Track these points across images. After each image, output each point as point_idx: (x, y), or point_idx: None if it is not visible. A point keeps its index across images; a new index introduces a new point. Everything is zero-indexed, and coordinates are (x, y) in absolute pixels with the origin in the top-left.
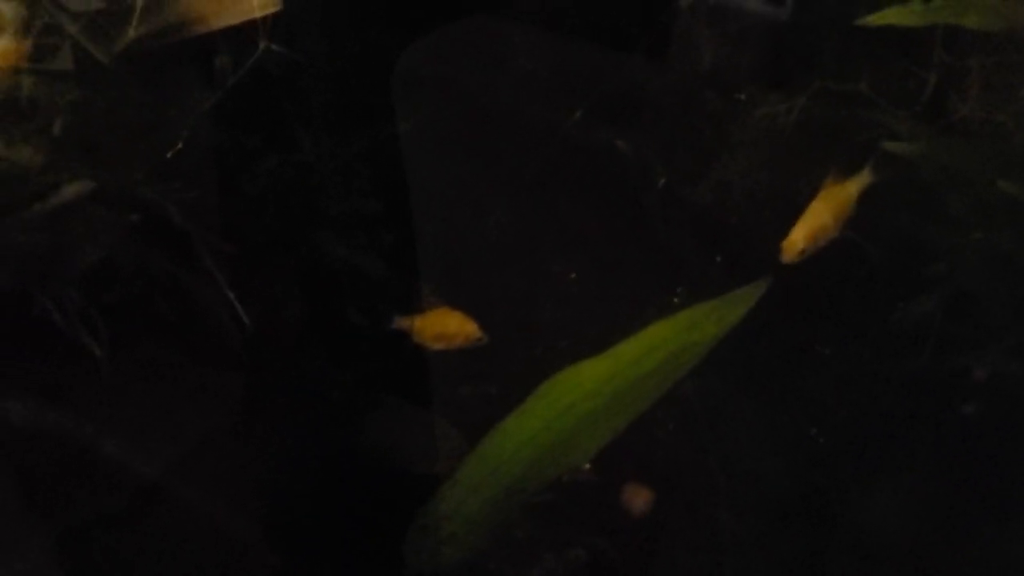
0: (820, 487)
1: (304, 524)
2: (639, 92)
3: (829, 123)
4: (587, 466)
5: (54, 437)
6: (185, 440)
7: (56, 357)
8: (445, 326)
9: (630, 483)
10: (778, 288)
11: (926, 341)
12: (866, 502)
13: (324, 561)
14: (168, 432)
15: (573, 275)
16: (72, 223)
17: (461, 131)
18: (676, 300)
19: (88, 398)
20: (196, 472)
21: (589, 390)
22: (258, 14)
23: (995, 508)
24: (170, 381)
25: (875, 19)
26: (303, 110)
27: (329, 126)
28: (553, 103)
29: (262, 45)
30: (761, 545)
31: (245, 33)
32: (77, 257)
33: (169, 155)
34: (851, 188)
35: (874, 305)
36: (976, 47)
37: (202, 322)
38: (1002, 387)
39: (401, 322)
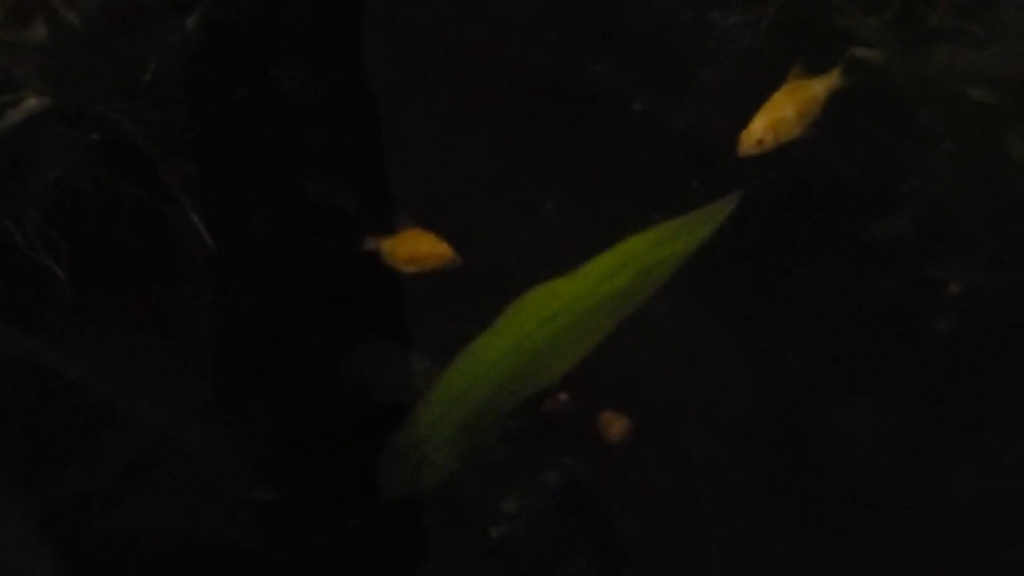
0: (794, 407)
1: (277, 452)
2: (615, 18)
3: (801, 33)
4: (564, 395)
5: (18, 360)
6: (152, 367)
7: (20, 282)
8: (418, 247)
9: (606, 410)
10: (751, 208)
11: (900, 256)
12: (841, 421)
13: (300, 489)
14: (134, 359)
15: (549, 204)
16: (31, 141)
17: (437, 64)
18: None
19: (51, 321)
20: (161, 396)
21: (558, 308)
22: None
23: (969, 423)
24: (134, 304)
25: None
26: (276, 47)
27: (302, 62)
28: (527, 34)
29: None
30: (735, 466)
31: None
32: (37, 176)
33: (141, 82)
34: (818, 86)
35: (848, 223)
36: None
37: (166, 243)
38: (977, 299)
39: (372, 243)
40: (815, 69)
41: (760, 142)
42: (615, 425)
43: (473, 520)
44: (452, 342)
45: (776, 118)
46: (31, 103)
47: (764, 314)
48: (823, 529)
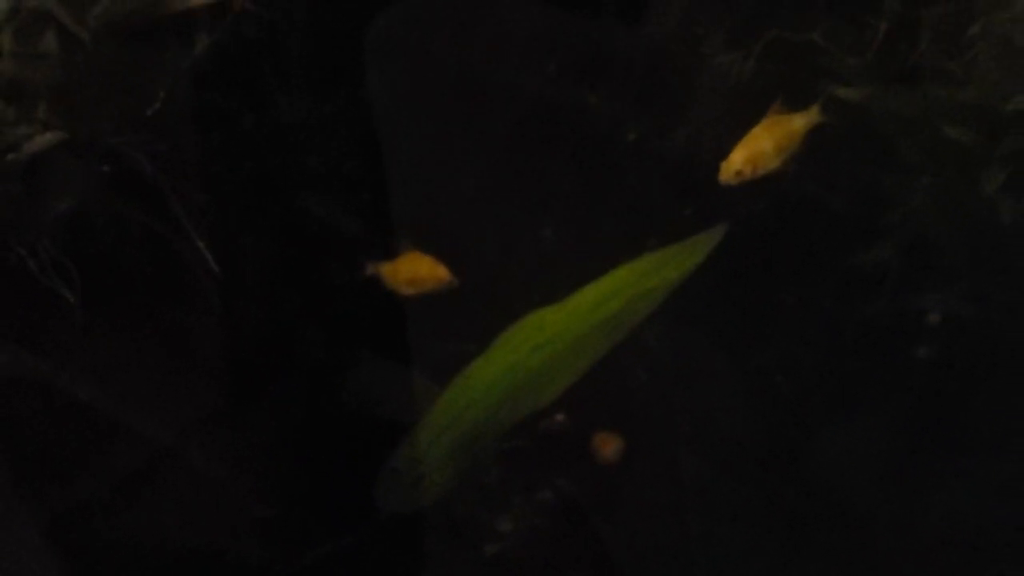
0: (782, 429)
1: (280, 471)
2: (610, 51)
3: (784, 72)
4: (560, 416)
5: (31, 383)
6: (157, 385)
7: (31, 307)
8: (416, 270)
9: (599, 430)
10: (740, 237)
11: (883, 286)
12: (825, 442)
13: (302, 506)
14: (141, 377)
15: (547, 230)
16: (45, 173)
17: (436, 91)
18: (647, 252)
19: (63, 345)
20: (167, 413)
21: (551, 335)
22: None
23: (948, 445)
24: (142, 328)
25: None
26: (280, 72)
27: (305, 87)
28: (525, 64)
29: (238, 7)
30: (723, 485)
31: (224, 7)
32: (50, 206)
33: (149, 112)
34: (797, 122)
35: (833, 252)
36: None
37: (172, 269)
38: (955, 328)
39: (374, 267)
40: (796, 105)
41: (739, 173)
42: (608, 445)
43: (469, 537)
44: (451, 361)
45: (754, 151)
46: (46, 137)
47: (753, 338)
48: (809, 546)
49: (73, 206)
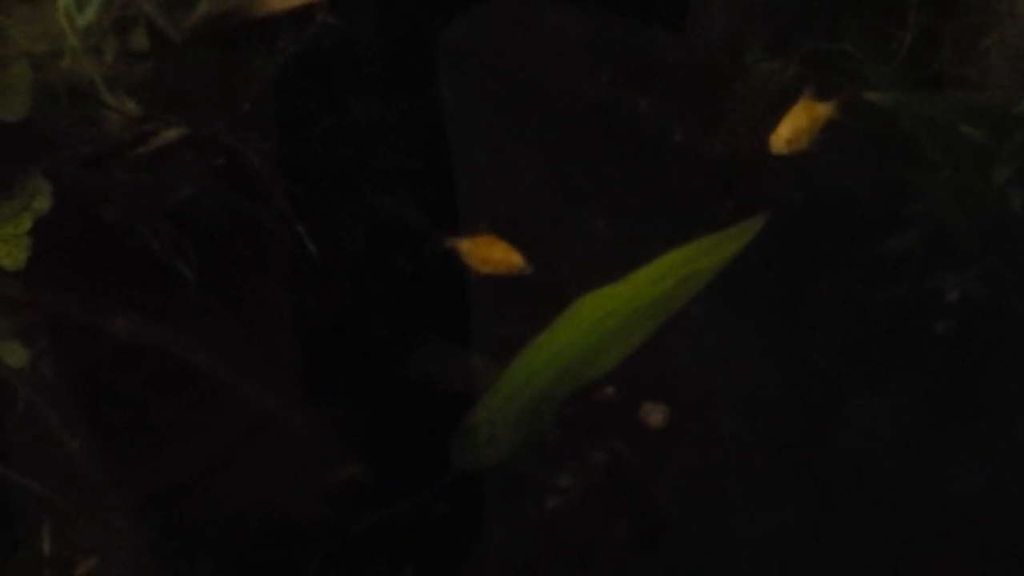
0: (813, 400)
1: (362, 436)
2: (659, 58)
3: (820, 78)
4: (611, 389)
5: (151, 348)
6: (261, 355)
7: (153, 280)
8: (492, 252)
9: (647, 401)
10: (778, 227)
11: (906, 269)
12: (853, 412)
13: (381, 467)
14: (247, 347)
15: (599, 223)
16: (168, 165)
17: (498, 96)
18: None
19: (180, 316)
20: (268, 381)
21: (610, 310)
22: None
23: (964, 413)
24: (248, 303)
25: None
26: (354, 80)
27: (377, 93)
28: (581, 70)
29: (320, 19)
30: (760, 451)
31: (307, 14)
32: (171, 194)
33: (245, 108)
34: (821, 109)
35: (862, 240)
36: (947, 11)
37: (276, 251)
38: (971, 306)
39: (452, 243)
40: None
41: (789, 142)
42: (655, 414)
43: (532, 492)
44: (509, 343)
45: (796, 126)
46: (169, 133)
47: (787, 318)
48: (835, 504)
49: (191, 194)
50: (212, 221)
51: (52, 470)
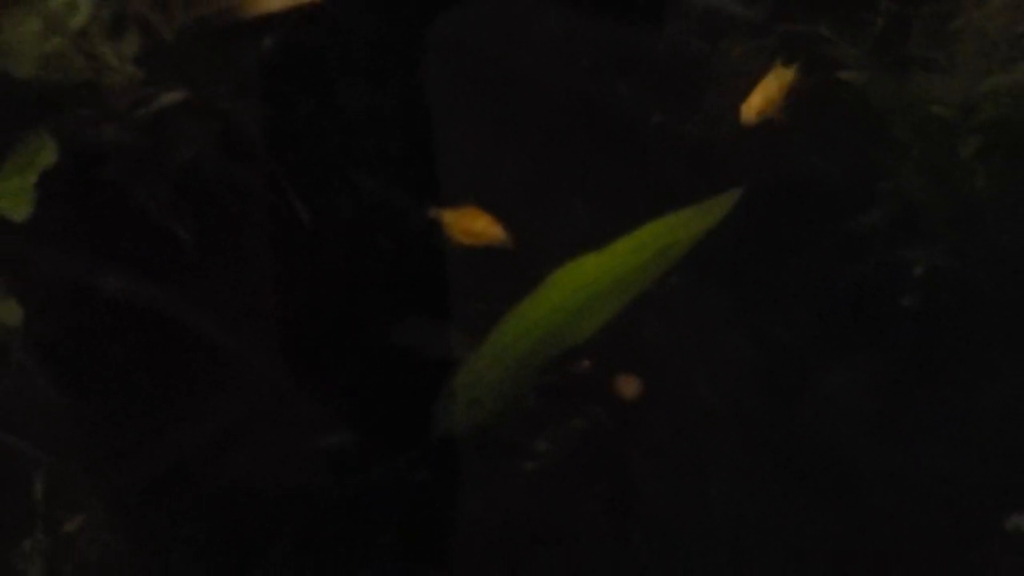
0: (783, 372)
1: (344, 404)
2: (638, 47)
3: (796, 60)
4: (587, 362)
5: (146, 308)
6: (254, 315)
7: (150, 241)
8: (474, 223)
9: (623, 373)
10: (751, 204)
11: (874, 245)
12: (821, 383)
13: (365, 433)
14: (240, 306)
15: (577, 203)
16: (167, 128)
17: (483, 85)
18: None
19: (175, 277)
20: (261, 335)
21: (589, 279)
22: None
23: (928, 380)
24: (243, 263)
25: None
26: (341, 66)
27: (363, 79)
28: (564, 60)
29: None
30: (731, 420)
31: (299, 14)
32: (170, 156)
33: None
34: (787, 76)
35: (832, 216)
36: None
37: (269, 215)
38: (937, 280)
39: (436, 214)
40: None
41: (760, 112)
42: (630, 385)
43: (511, 455)
44: (490, 318)
45: (767, 95)
46: (169, 96)
47: (759, 292)
48: (804, 472)
49: (190, 157)
50: (208, 184)
51: (43, 430)
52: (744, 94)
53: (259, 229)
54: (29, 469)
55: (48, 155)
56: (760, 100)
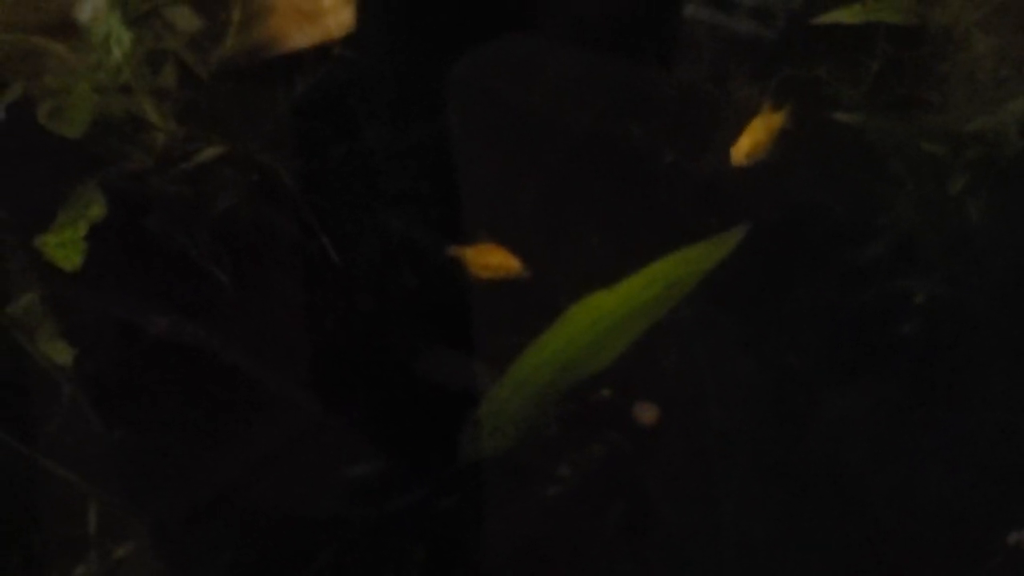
0: (791, 397)
1: (374, 434)
2: (651, 90)
3: (797, 102)
4: (606, 391)
5: (189, 346)
6: (289, 345)
7: (191, 284)
8: (491, 257)
9: (640, 401)
10: (759, 238)
11: (876, 275)
12: (828, 407)
13: (393, 460)
14: (274, 339)
15: (594, 239)
16: (208, 179)
17: (502, 126)
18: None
19: (215, 317)
20: (295, 368)
21: (604, 313)
22: (335, 35)
23: (928, 404)
24: (277, 304)
25: (826, 17)
26: (367, 110)
27: (388, 122)
28: (578, 103)
29: (336, 52)
30: (743, 444)
31: (325, 51)
32: (210, 206)
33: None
34: (775, 120)
35: (835, 249)
36: (911, 41)
37: (301, 260)
38: (935, 308)
39: (455, 251)
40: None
41: (748, 155)
42: (647, 413)
43: (534, 480)
44: (510, 350)
45: (756, 138)
46: (208, 151)
47: (768, 322)
48: (810, 494)
49: (228, 206)
50: (245, 229)
51: (94, 464)
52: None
53: (292, 269)
54: (82, 500)
55: (97, 209)
56: (748, 143)
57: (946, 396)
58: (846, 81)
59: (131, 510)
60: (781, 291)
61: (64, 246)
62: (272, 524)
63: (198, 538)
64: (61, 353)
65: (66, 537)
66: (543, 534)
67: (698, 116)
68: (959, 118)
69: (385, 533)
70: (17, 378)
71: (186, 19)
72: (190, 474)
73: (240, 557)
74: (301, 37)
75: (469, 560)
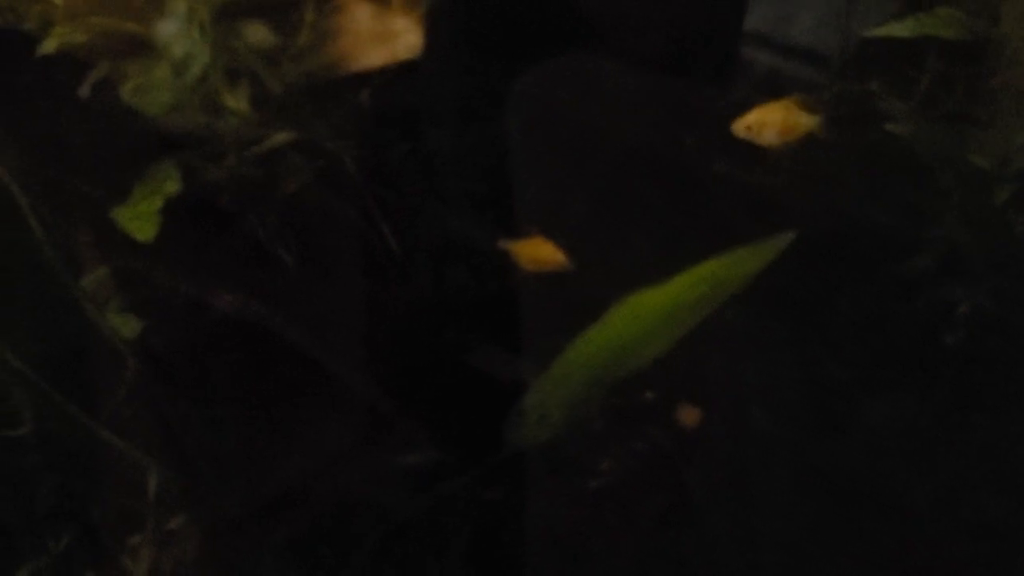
0: (832, 404)
1: (428, 418)
2: (705, 105)
3: (849, 114)
4: (649, 394)
5: (253, 323)
6: (350, 334)
7: (257, 264)
8: (539, 250)
9: (682, 402)
10: (806, 246)
11: (921, 286)
12: (868, 415)
13: (443, 450)
14: (336, 327)
15: (644, 244)
16: (277, 163)
17: (560, 136)
18: None
19: (279, 297)
20: (351, 353)
21: (653, 308)
22: (404, 57)
23: (971, 412)
24: (340, 286)
25: (879, 31)
26: (428, 115)
27: (448, 127)
28: (634, 114)
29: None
30: (782, 447)
31: (392, 71)
32: (278, 189)
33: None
34: (804, 118)
35: (882, 259)
36: (960, 57)
37: (362, 247)
38: (980, 319)
39: (505, 244)
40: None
41: (748, 128)
42: (689, 413)
43: (576, 473)
44: (557, 344)
45: (762, 116)
46: (279, 136)
47: (811, 329)
48: (848, 500)
49: (296, 191)
50: (310, 214)
51: (154, 437)
52: (800, 149)
53: (353, 255)
54: (142, 472)
55: (173, 184)
56: (752, 118)
57: (988, 408)
58: (897, 95)
59: (188, 484)
60: (827, 299)
61: (139, 218)
62: (324, 504)
63: (252, 514)
64: (128, 326)
65: (124, 507)
66: (583, 525)
67: None
68: (1005, 132)
69: (430, 519)
70: (85, 350)
71: (261, 36)
72: (246, 452)
73: (292, 534)
74: (371, 57)
75: (510, 546)
